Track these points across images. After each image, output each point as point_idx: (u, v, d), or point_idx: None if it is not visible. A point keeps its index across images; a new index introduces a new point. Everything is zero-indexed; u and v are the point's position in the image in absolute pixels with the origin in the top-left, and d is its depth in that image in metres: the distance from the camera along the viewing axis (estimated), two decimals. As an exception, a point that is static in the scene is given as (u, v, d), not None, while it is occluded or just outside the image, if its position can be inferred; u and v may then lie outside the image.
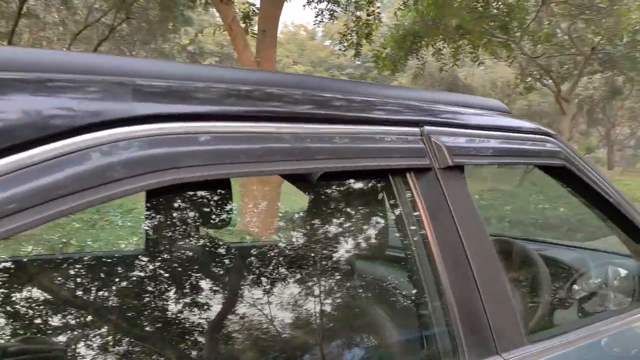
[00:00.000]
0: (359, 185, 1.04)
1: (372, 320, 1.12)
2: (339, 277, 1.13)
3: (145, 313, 1.01)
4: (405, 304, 1.12)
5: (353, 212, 1.11)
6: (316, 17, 8.90)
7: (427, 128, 0.94)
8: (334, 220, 1.12)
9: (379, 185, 1.01)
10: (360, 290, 1.20)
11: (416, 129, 0.93)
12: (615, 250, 1.57)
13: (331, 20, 9.09)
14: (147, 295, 1.03)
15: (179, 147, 0.63)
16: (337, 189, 1.10)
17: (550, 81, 12.25)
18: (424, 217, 0.88)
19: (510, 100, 17.69)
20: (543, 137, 1.20)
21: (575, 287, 1.42)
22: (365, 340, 1.09)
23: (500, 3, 8.76)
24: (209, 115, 0.69)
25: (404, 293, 1.11)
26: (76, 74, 0.62)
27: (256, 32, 6.21)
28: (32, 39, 13.06)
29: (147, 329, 0.99)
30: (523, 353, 0.89)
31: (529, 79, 12.30)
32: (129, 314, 1.01)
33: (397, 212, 0.92)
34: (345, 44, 9.10)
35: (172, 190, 0.98)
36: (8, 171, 0.50)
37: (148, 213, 1.07)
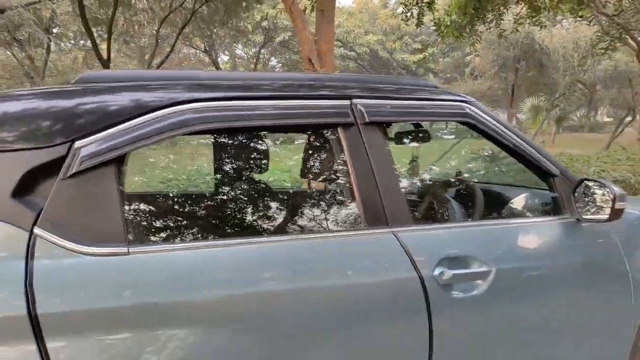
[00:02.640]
0: (312, 135, 1.70)
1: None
2: (315, 190, 1.82)
3: None
4: (341, 199, 1.76)
5: (311, 152, 1.79)
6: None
7: (355, 100, 1.57)
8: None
9: (326, 134, 1.65)
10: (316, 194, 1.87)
11: (347, 101, 1.56)
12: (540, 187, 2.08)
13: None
14: None
15: (205, 114, 1.34)
16: (300, 137, 1.77)
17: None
18: (349, 153, 1.52)
19: (594, 61, 16.62)
20: (458, 103, 1.76)
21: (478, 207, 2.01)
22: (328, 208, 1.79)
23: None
24: (219, 98, 1.39)
25: (339, 196, 1.77)
26: (160, 80, 1.34)
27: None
28: (126, 24, 14.65)
29: None
30: (405, 227, 1.51)
31: (607, 38, 11.66)
32: None
33: (336, 149, 1.57)
34: (408, 14, 9.34)
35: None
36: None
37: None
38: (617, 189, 1.71)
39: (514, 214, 1.94)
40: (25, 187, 1.14)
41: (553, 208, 1.90)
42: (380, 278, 1.43)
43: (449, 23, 10.05)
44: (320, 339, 1.34)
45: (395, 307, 1.44)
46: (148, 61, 12.55)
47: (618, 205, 1.69)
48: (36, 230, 1.11)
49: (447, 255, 1.52)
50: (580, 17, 11.03)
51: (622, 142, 15.91)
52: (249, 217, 1.83)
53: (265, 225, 1.84)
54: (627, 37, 11.56)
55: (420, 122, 1.79)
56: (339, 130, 1.53)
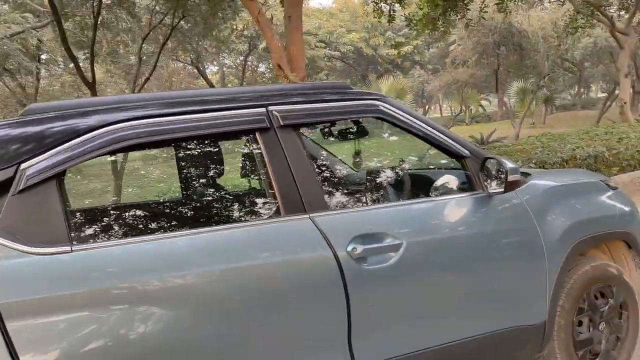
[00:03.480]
0: (237, 141, 1.95)
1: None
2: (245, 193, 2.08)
3: None
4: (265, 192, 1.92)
5: (239, 156, 2.04)
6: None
7: (270, 107, 1.81)
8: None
9: (246, 139, 1.88)
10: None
11: (263, 109, 1.80)
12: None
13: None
14: None
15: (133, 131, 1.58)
16: (228, 142, 2.01)
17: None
18: (266, 154, 1.76)
19: (574, 39, 16.83)
20: (369, 101, 2.00)
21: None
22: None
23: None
24: (144, 116, 1.63)
25: (263, 189, 1.96)
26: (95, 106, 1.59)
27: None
28: (110, 45, 14.97)
29: None
30: (320, 213, 1.75)
31: (579, 16, 11.91)
32: None
33: (256, 151, 1.81)
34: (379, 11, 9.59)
35: None
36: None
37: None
38: (509, 164, 1.94)
39: (431, 193, 2.17)
40: None
41: (468, 186, 2.13)
42: (300, 256, 1.67)
43: (420, 17, 10.31)
44: (247, 315, 1.57)
45: (315, 282, 1.68)
46: (133, 79, 12.81)
47: (510, 177, 1.93)
48: None
49: (360, 233, 1.75)
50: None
51: (613, 117, 16.07)
52: (179, 213, 2.10)
53: (195, 219, 2.09)
54: (598, 13, 11.79)
55: (333, 121, 2.03)
56: (257, 134, 1.77)
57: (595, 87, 39.96)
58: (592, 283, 2.25)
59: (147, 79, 12.75)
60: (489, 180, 2.03)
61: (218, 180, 2.09)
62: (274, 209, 1.74)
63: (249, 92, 1.88)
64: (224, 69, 26.87)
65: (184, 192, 2.39)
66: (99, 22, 10.39)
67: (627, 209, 2.43)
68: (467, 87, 22.15)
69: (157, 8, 12.25)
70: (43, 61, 15.74)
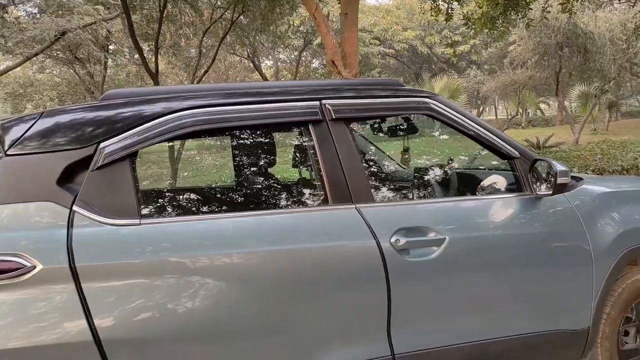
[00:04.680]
0: (292, 132, 2.06)
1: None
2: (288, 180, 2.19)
3: None
4: (316, 183, 2.02)
5: (293, 146, 2.15)
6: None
7: (324, 101, 1.90)
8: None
9: (299, 130, 1.98)
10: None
11: (317, 102, 1.90)
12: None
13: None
14: None
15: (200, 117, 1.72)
16: (279, 134, 2.12)
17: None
18: (318, 146, 1.86)
19: (645, 42, 15.85)
20: (420, 99, 2.06)
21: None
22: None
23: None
24: (207, 105, 1.77)
25: (314, 180, 2.06)
26: (166, 94, 1.75)
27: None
28: (173, 38, 15.63)
29: None
30: (367, 204, 1.83)
31: (652, 18, 11.21)
32: None
33: (308, 143, 1.91)
34: (436, 8, 9.47)
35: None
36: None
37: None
38: (559, 166, 1.94)
39: (477, 192, 2.19)
40: (66, 177, 1.57)
41: (516, 186, 2.14)
42: (344, 243, 1.76)
43: (479, 15, 10.05)
44: (289, 296, 1.67)
45: (358, 270, 1.76)
46: (193, 71, 13.32)
47: (560, 180, 1.92)
48: (74, 207, 1.53)
49: (403, 226, 1.82)
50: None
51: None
52: (244, 196, 2.25)
53: (257, 203, 2.22)
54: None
55: (385, 117, 2.10)
56: (310, 126, 1.87)
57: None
58: (641, 293, 2.20)
59: (206, 71, 13.21)
60: (537, 182, 2.03)
61: (270, 169, 2.22)
62: (323, 197, 1.84)
63: (304, 85, 1.99)
64: (279, 63, 27.29)
65: (237, 179, 2.54)
66: (164, 15, 10.91)
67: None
68: (525, 89, 21.34)
69: (219, 3, 12.68)
70: (111, 51, 16.64)
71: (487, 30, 10.96)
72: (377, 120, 2.42)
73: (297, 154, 2.41)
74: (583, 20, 15.65)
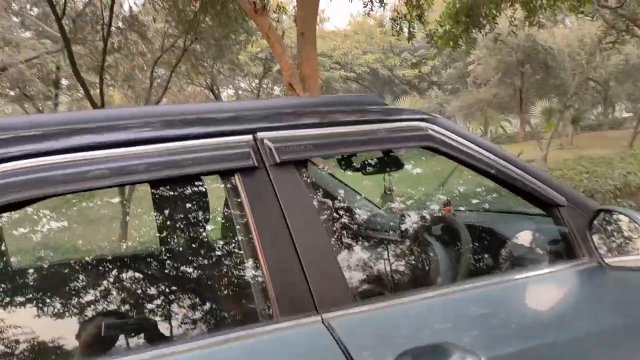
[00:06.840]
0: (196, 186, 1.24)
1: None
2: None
3: None
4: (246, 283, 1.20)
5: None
6: (364, 7, 8.90)
7: (260, 133, 1.12)
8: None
9: (224, 184, 1.17)
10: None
11: (248, 136, 1.11)
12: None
13: (381, 8, 9.02)
14: None
15: None
16: (186, 190, 1.30)
17: (640, 30, 10.99)
18: (254, 221, 1.06)
19: (603, 57, 16.07)
20: (415, 123, 1.31)
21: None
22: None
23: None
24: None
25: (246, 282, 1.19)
26: None
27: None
28: (125, 68, 14.70)
29: None
30: (342, 312, 1.03)
31: (613, 31, 11.16)
32: None
33: (236, 212, 1.11)
34: (397, 28, 9.03)
35: None
36: None
37: None
38: None
39: (503, 263, 1.43)
40: None
41: (563, 248, 1.40)
42: None
43: (442, 34, 9.68)
44: None
45: None
46: (144, 103, 12.44)
47: None
48: None
49: (409, 348, 1.03)
50: (582, 12, 10.56)
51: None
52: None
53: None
54: (635, 28, 11.05)
55: (362, 152, 1.33)
56: (237, 178, 1.08)
57: (620, 106, 38.79)
58: None
59: (157, 102, 12.38)
60: (606, 245, 1.30)
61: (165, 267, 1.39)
62: (266, 310, 1.03)
63: (229, 109, 1.20)
64: (239, 92, 26.61)
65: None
66: (111, 46, 10.03)
67: None
68: (488, 108, 21.29)
69: (170, 31, 11.90)
70: (64, 86, 15.73)
71: (450, 48, 10.64)
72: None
73: (206, 237, 1.42)
74: (541, 37, 15.78)
